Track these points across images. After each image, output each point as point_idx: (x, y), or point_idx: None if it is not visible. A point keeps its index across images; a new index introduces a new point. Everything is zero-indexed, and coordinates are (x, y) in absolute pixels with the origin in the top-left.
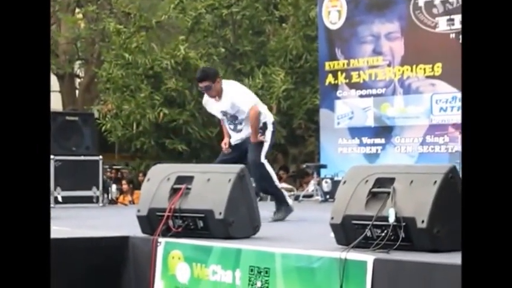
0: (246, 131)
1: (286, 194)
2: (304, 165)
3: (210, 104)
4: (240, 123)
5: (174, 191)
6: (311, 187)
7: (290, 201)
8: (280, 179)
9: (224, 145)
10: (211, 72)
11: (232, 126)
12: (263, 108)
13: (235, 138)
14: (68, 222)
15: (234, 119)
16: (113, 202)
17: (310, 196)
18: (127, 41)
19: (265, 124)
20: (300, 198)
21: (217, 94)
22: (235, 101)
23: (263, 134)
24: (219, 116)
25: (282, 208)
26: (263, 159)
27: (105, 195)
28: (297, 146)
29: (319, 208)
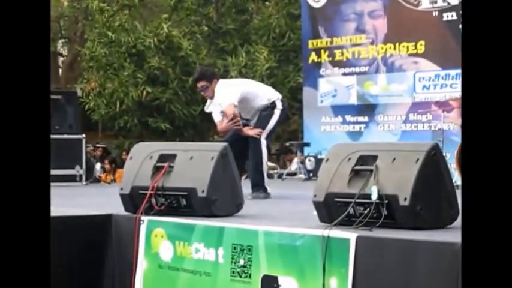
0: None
1: (267, 181)
2: (287, 144)
3: (211, 106)
4: (248, 123)
5: (156, 169)
6: (294, 165)
7: (269, 188)
8: None
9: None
10: (208, 73)
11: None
12: (266, 89)
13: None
14: (51, 201)
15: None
16: (97, 181)
17: (294, 174)
18: (110, 19)
19: (273, 103)
20: (284, 176)
21: (213, 95)
22: (219, 102)
23: (272, 113)
24: (221, 117)
25: (260, 190)
26: (263, 137)
27: (91, 173)
28: (280, 124)
29: (303, 186)
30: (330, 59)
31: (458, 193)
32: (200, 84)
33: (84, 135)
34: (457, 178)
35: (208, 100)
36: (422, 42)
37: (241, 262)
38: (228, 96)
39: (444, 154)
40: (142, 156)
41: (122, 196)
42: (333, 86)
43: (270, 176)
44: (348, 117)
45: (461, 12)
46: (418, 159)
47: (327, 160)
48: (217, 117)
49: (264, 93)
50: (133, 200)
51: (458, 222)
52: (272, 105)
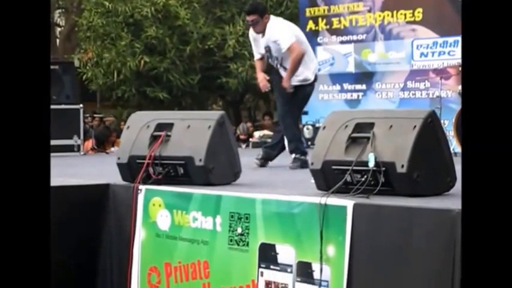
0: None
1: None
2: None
3: (256, 39)
4: (284, 67)
5: (154, 138)
6: None
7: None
8: (264, 125)
9: (260, 82)
10: (260, 6)
11: (279, 67)
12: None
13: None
14: None
15: (276, 60)
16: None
17: None
18: None
19: (315, 77)
20: None
21: (263, 30)
22: (275, 37)
23: (312, 90)
24: (263, 52)
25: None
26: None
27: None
28: None
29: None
30: (328, 27)
31: (456, 160)
32: (251, 18)
33: (81, 105)
34: (455, 145)
35: (252, 32)
36: (420, 9)
37: (239, 230)
38: (288, 34)
39: (442, 121)
40: (139, 125)
41: (120, 166)
42: (330, 54)
43: None
44: (346, 85)
45: None
46: (415, 126)
47: (324, 128)
48: (257, 55)
49: (313, 57)
50: (131, 169)
51: (456, 189)
52: (315, 79)
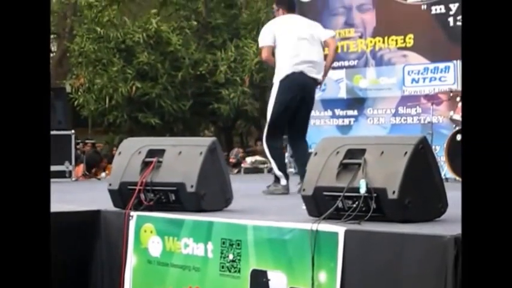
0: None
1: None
2: None
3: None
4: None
5: (145, 165)
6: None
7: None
8: (256, 151)
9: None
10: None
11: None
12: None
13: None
14: None
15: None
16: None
17: None
18: (99, 14)
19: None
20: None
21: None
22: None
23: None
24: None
25: None
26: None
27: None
28: None
29: (292, 180)
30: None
31: (447, 186)
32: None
33: (73, 131)
34: (446, 171)
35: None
36: (411, 35)
37: (230, 257)
38: (261, 36)
39: (433, 147)
40: (130, 151)
41: (111, 192)
42: None
43: (260, 171)
44: (338, 111)
45: (456, 6)
46: (406, 153)
47: (316, 154)
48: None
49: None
50: (122, 195)
51: (447, 215)
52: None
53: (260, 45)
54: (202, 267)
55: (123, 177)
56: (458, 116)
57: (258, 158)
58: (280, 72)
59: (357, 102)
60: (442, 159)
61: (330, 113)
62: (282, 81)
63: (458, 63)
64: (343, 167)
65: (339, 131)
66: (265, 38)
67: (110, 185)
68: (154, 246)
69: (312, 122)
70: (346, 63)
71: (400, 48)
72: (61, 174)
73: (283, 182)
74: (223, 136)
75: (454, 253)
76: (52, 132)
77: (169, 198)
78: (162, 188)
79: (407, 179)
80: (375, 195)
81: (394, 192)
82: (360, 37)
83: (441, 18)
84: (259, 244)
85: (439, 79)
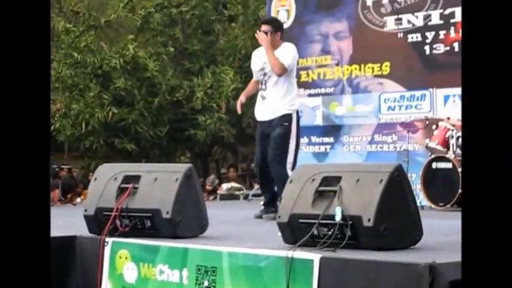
0: (271, 100)
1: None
2: (253, 164)
3: (258, 54)
4: (265, 86)
5: (121, 191)
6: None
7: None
8: (229, 177)
9: (238, 104)
10: (277, 22)
11: (262, 88)
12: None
13: (261, 109)
14: None
15: (265, 75)
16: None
17: (260, 195)
18: (76, 40)
19: (290, 115)
20: (250, 197)
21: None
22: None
23: (289, 129)
24: (259, 67)
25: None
26: (288, 167)
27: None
28: (246, 144)
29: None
30: (296, 80)
31: (422, 214)
32: (264, 28)
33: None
34: (421, 199)
35: (255, 55)
36: (388, 63)
37: (206, 283)
38: (290, 58)
39: (409, 175)
40: (106, 177)
41: (86, 217)
42: (298, 107)
43: (236, 197)
44: (314, 138)
45: (432, 34)
46: (381, 180)
47: (291, 181)
48: (254, 77)
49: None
50: (98, 221)
51: (422, 243)
52: (289, 117)
53: (286, 64)
54: None
55: (98, 203)
56: (433, 144)
57: (233, 184)
58: (294, 101)
59: (333, 129)
60: (417, 187)
61: (306, 140)
62: (297, 113)
63: (435, 91)
64: (319, 194)
65: (315, 158)
66: (293, 61)
67: (86, 210)
68: (130, 273)
69: None
70: (322, 90)
71: (376, 76)
72: None
73: None
74: (200, 162)
75: (429, 281)
76: None
77: (144, 225)
78: (138, 214)
79: (383, 206)
80: (350, 222)
81: (369, 219)
82: (337, 64)
83: (417, 46)
84: (235, 271)
85: (415, 107)
